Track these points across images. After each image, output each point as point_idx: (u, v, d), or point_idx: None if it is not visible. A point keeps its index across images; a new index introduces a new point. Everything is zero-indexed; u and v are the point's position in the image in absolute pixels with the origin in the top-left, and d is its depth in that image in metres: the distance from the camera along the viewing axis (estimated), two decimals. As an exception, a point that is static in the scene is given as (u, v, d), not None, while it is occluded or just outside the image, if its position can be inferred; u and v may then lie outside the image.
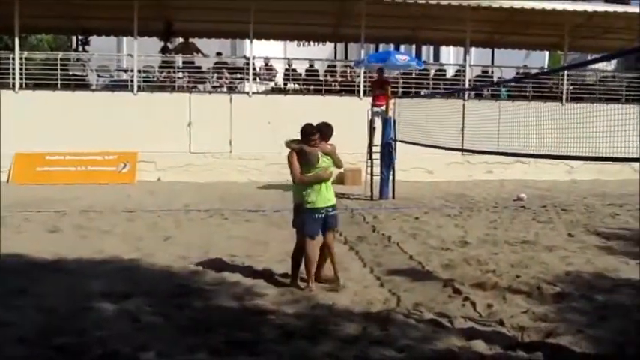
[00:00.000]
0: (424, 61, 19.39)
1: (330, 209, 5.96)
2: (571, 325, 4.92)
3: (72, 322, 4.90)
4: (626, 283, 6.28)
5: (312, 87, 17.15)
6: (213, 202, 12.06)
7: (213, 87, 17.03)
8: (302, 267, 6.01)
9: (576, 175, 17.54)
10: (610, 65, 24.03)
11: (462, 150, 11.75)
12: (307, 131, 5.91)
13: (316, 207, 5.84)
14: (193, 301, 5.47)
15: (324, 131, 6.00)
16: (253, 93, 16.62)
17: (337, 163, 6.05)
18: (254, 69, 16.91)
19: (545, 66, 25.28)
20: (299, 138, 5.97)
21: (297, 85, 17.62)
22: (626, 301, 5.65)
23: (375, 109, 13.33)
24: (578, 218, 10.74)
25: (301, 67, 17.75)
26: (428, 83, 17.76)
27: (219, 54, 18.13)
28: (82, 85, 16.60)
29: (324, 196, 5.90)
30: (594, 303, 5.55)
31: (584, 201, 13.08)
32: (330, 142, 6.07)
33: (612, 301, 5.64)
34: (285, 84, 17.60)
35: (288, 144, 6.04)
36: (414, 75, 17.62)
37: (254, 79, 16.95)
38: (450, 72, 20.33)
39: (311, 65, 17.85)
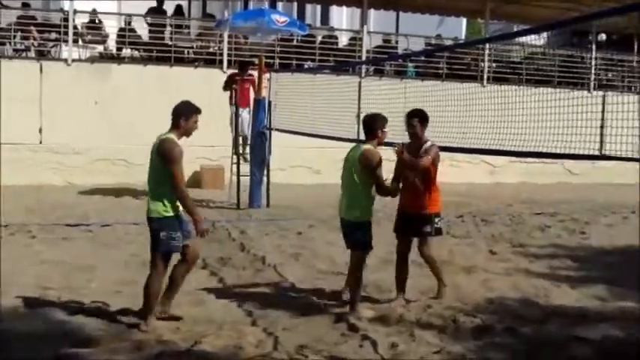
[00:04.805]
0: (309, 25, 19.72)
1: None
2: (494, 367, 5.21)
3: None
4: (558, 311, 6.77)
5: (156, 54, 16.89)
6: (15, 213, 11.48)
7: (16, 51, 16.30)
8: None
9: (500, 176, 18.60)
10: (540, 40, 25.66)
11: (357, 141, 12.01)
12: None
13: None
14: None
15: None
16: (74, 60, 16.09)
17: None
18: (75, 27, 16.40)
19: (462, 36, 26.59)
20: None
21: (135, 52, 17.29)
22: (560, 333, 6.08)
23: (242, 111, 13.43)
24: (501, 231, 11.41)
25: (142, 28, 17.42)
26: (314, 54, 18.06)
27: (25, 5, 17.39)
28: None
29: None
30: (522, 338, 5.92)
31: (508, 209, 13.91)
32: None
33: (543, 334, 6.05)
34: (119, 49, 17.22)
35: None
36: (295, 42, 17.86)
37: (75, 41, 16.43)
38: (343, 40, 20.81)
39: (153, 24, 17.54)
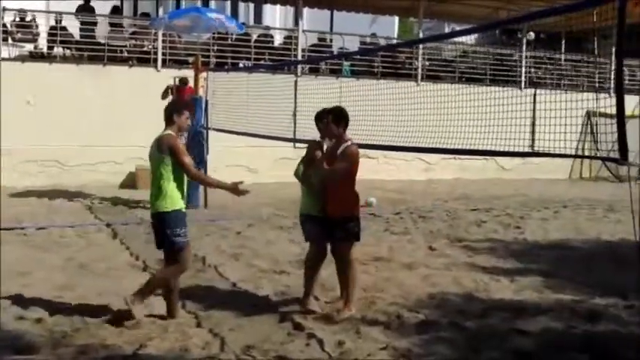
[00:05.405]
0: (243, 23, 19.63)
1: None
2: (440, 362, 5.27)
3: None
4: (498, 305, 6.90)
5: (87, 53, 16.59)
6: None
7: (-59, 50, 15.80)
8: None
9: (434, 173, 18.88)
10: (470, 39, 26.14)
11: (294, 140, 12.04)
12: None
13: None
14: None
15: None
16: (4, 59, 15.67)
17: None
18: (4, 25, 15.98)
19: (395, 35, 26.87)
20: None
21: (67, 51, 16.94)
22: (501, 326, 6.20)
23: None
24: (439, 227, 11.59)
25: (73, 26, 17.07)
26: (249, 52, 18.00)
27: (-50, 1, 16.87)
28: None
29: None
30: (465, 332, 6.03)
31: (445, 205, 14.13)
32: None
33: (485, 328, 6.16)
34: (50, 48, 16.86)
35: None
36: (230, 41, 17.77)
37: (4, 39, 16.02)
38: (278, 39, 20.79)
39: (85, 22, 17.19)
